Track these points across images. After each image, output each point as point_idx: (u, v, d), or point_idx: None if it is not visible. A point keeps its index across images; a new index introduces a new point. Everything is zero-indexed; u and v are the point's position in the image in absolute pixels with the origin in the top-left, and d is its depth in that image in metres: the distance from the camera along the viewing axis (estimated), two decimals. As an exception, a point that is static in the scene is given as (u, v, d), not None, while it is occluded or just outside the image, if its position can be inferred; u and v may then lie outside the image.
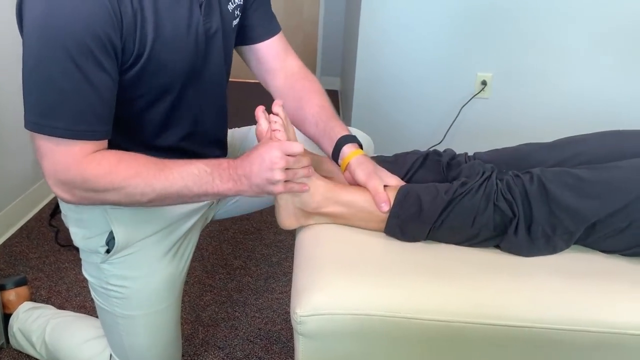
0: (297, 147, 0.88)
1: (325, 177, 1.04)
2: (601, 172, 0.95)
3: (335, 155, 1.05)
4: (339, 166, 1.06)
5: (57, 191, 0.88)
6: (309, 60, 4.33)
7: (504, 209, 0.94)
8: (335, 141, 1.05)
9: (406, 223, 0.97)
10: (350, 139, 1.06)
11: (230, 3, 1.03)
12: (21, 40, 0.82)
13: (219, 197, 0.91)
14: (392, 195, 0.98)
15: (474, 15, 2.28)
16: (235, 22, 1.06)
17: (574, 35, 2.28)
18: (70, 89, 0.81)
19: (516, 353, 0.89)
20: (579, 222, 0.94)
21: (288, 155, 0.88)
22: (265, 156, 0.87)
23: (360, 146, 1.07)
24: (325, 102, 1.14)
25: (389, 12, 2.30)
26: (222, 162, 0.90)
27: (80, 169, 0.85)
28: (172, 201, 0.92)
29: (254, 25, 1.13)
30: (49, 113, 0.82)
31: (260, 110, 1.00)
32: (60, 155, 0.85)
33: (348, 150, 1.04)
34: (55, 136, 0.83)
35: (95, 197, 0.89)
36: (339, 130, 1.08)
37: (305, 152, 0.95)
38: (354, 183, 1.02)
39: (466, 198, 0.96)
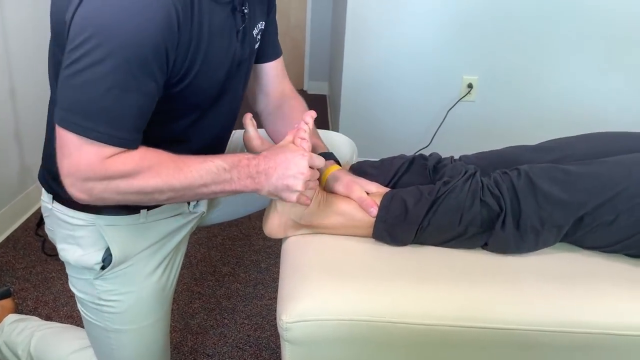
0: (321, 161, 0.90)
1: None
2: (588, 166, 0.97)
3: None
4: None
5: (73, 191, 0.86)
6: (297, 65, 4.33)
7: (490, 203, 0.95)
8: None
9: (393, 226, 0.98)
10: (327, 156, 1.08)
11: (255, 28, 1.04)
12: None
13: (236, 194, 0.92)
14: (377, 201, 0.99)
15: (460, 18, 2.29)
16: (257, 46, 1.08)
17: (558, 38, 2.30)
18: (121, 97, 0.80)
19: (502, 355, 0.89)
20: (568, 214, 0.95)
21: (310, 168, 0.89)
22: (292, 162, 0.87)
23: (338, 162, 1.09)
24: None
25: (375, 17, 2.31)
26: (242, 159, 0.90)
27: (104, 169, 0.84)
28: (190, 198, 0.92)
29: (261, 46, 1.14)
30: (91, 115, 0.80)
31: (248, 118, 1.00)
32: (87, 155, 0.83)
33: (324, 167, 1.06)
34: (90, 138, 0.81)
35: (114, 197, 0.87)
36: (317, 148, 1.10)
37: None
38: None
39: (451, 196, 0.96)
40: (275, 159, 0.88)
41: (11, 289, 1.59)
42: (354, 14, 2.32)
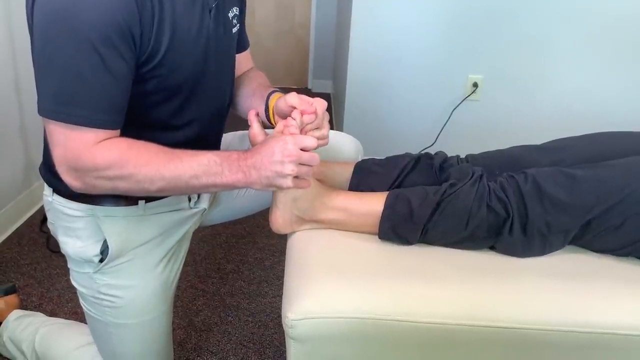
0: (310, 140, 0.87)
1: (318, 179, 1.04)
2: (595, 170, 0.96)
3: (267, 111, 1.07)
4: (270, 121, 1.05)
5: (67, 179, 0.88)
6: (301, 63, 4.33)
7: (497, 209, 0.94)
8: (265, 98, 1.07)
9: (398, 226, 0.97)
10: (275, 91, 1.08)
11: (230, 12, 1.05)
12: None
13: (228, 189, 0.92)
14: (382, 199, 0.98)
15: (465, 17, 2.29)
16: (234, 30, 1.08)
17: (564, 37, 2.29)
18: (91, 78, 0.82)
19: (506, 355, 0.89)
20: (575, 219, 0.94)
21: (302, 150, 0.87)
22: (277, 148, 0.86)
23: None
24: (265, 82, 1.17)
25: (380, 16, 2.31)
26: (232, 154, 0.90)
27: (91, 156, 0.85)
28: (181, 190, 0.92)
29: None
30: (66, 101, 0.82)
31: (252, 114, 1.00)
32: (72, 142, 0.84)
33: (271, 96, 1.06)
34: (71, 123, 0.83)
35: (105, 184, 0.88)
36: (264, 87, 1.11)
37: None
38: (286, 112, 0.99)
39: (458, 200, 0.96)
40: (262, 152, 0.88)
41: (16, 285, 1.59)
42: (360, 12, 2.31)
